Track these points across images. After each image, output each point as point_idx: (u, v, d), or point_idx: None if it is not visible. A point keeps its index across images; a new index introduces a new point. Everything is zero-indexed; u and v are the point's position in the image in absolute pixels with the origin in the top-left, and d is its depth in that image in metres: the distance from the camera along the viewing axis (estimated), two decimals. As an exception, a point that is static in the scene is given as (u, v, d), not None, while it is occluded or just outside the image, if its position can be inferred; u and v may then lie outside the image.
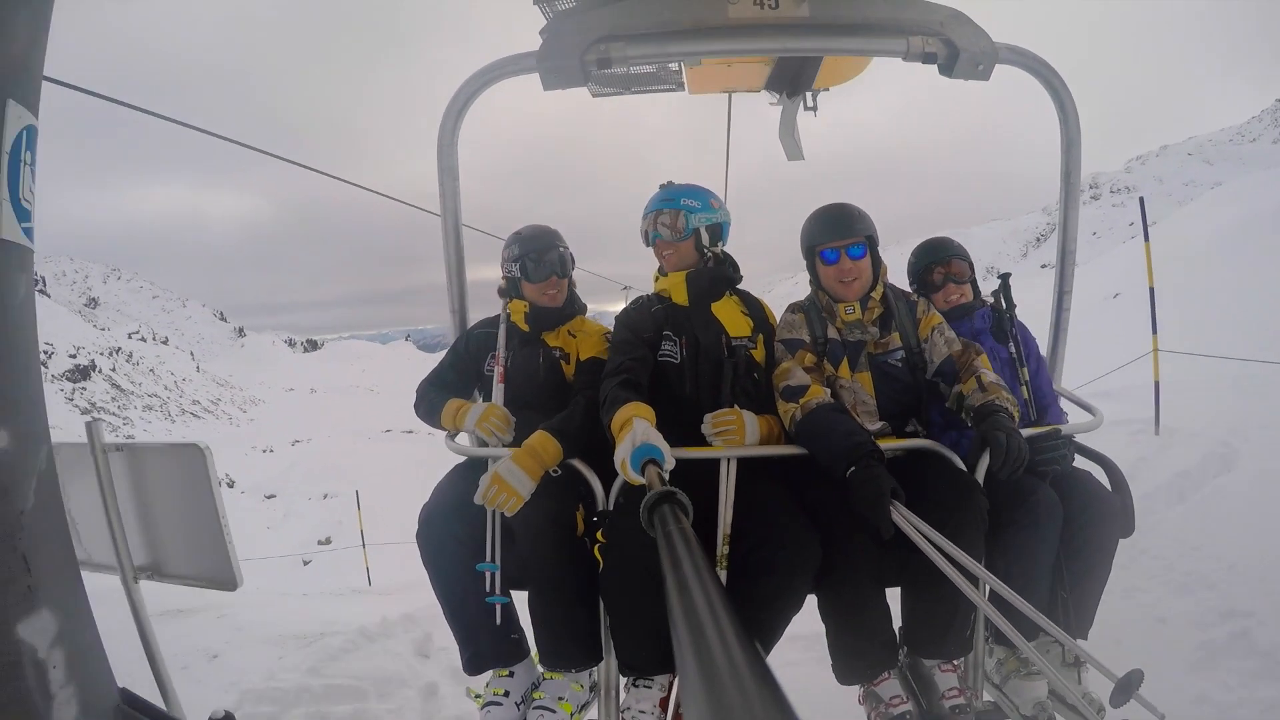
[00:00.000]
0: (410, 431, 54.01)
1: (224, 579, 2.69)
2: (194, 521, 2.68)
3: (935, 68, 2.74)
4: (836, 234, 2.68)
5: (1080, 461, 2.90)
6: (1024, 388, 2.88)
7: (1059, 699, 2.60)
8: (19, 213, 1.39)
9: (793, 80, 4.22)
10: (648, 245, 2.89)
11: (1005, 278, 3.06)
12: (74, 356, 68.94)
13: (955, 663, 2.57)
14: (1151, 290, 7.16)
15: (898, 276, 3.06)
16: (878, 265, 2.76)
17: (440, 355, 3.21)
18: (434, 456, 3.20)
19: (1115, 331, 9.94)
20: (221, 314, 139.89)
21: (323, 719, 4.05)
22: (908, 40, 2.66)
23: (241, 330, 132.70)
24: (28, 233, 1.42)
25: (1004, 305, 3.01)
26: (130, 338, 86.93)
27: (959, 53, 2.66)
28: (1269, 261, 11.82)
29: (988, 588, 2.27)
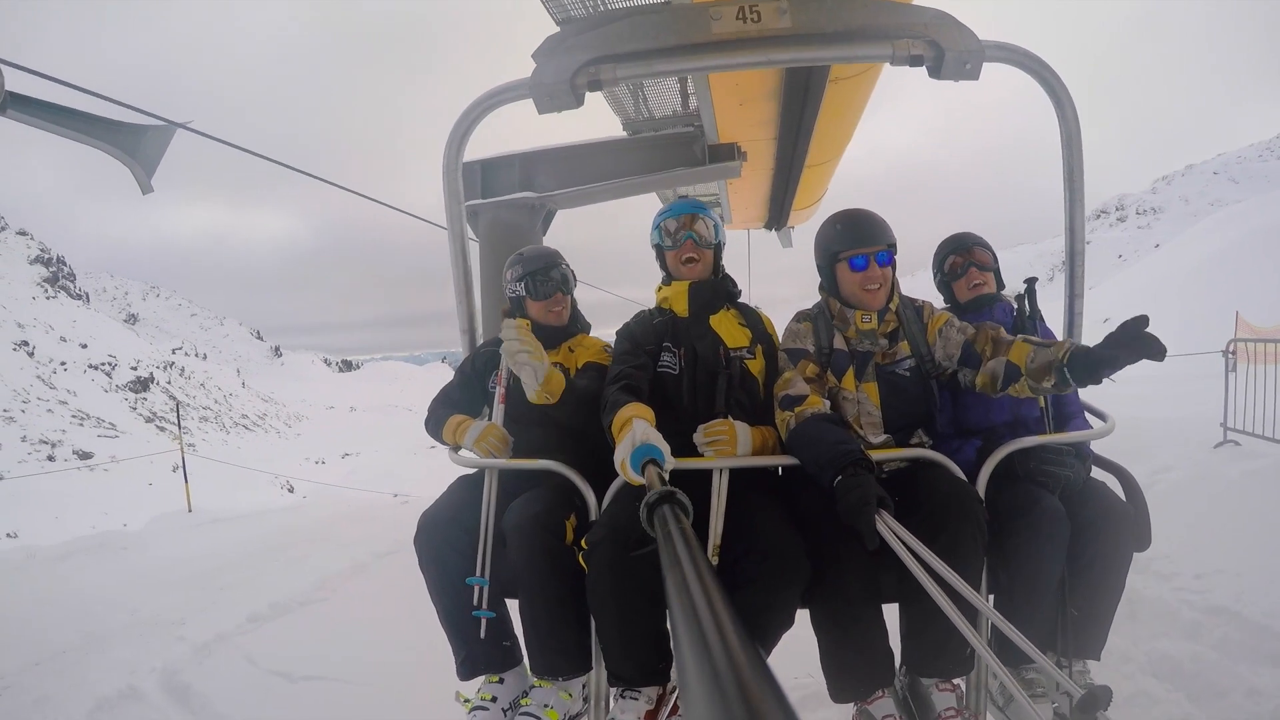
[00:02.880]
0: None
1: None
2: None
3: (925, 71, 2.70)
4: (864, 240, 2.62)
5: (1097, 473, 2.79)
6: (1041, 397, 2.74)
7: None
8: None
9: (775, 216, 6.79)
10: (672, 246, 2.86)
11: (1031, 282, 2.97)
12: (135, 369, 72.71)
13: (955, 682, 2.47)
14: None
15: (925, 292, 3.10)
16: (893, 275, 2.70)
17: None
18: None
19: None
20: (258, 333, 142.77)
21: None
22: (892, 45, 2.64)
23: (278, 349, 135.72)
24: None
25: (1027, 309, 2.93)
26: (174, 353, 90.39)
27: (945, 53, 2.63)
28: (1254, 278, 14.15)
29: (989, 605, 2.24)
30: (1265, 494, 5.54)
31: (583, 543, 2.39)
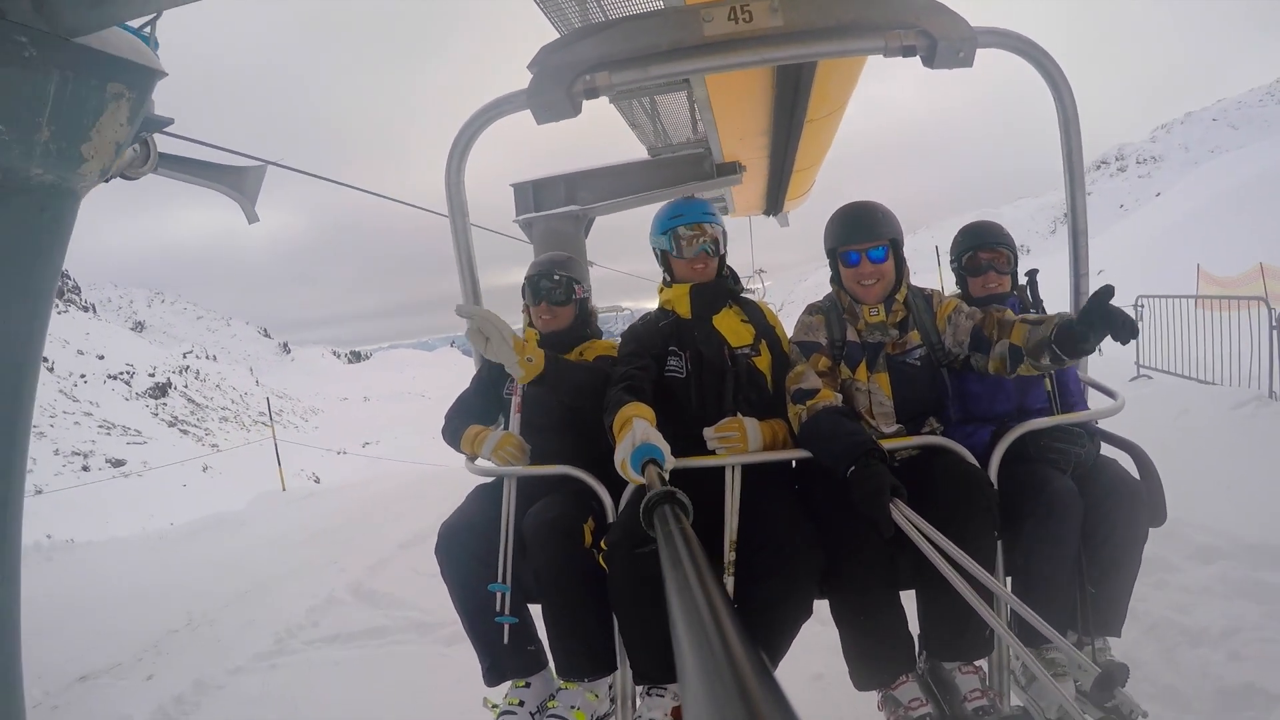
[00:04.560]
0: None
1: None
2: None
3: (918, 60, 2.70)
4: (858, 236, 2.62)
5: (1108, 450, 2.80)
6: (1048, 380, 2.77)
7: (1086, 699, 2.46)
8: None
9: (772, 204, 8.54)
10: (683, 255, 2.81)
11: (1032, 274, 3.00)
12: (152, 375, 74.28)
13: (977, 665, 2.50)
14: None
15: (925, 261, 3.07)
16: (901, 267, 2.68)
17: (485, 363, 3.30)
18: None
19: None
20: (265, 330, 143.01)
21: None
22: (884, 37, 2.64)
23: (286, 345, 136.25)
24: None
25: (1030, 299, 2.97)
26: (185, 357, 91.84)
27: (938, 42, 2.62)
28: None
29: (1006, 587, 2.34)
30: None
31: (602, 544, 2.43)
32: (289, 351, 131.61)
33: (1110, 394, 2.80)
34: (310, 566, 7.00)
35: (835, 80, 5.78)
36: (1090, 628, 2.53)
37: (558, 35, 3.65)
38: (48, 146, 2.12)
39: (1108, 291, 2.05)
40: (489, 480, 2.91)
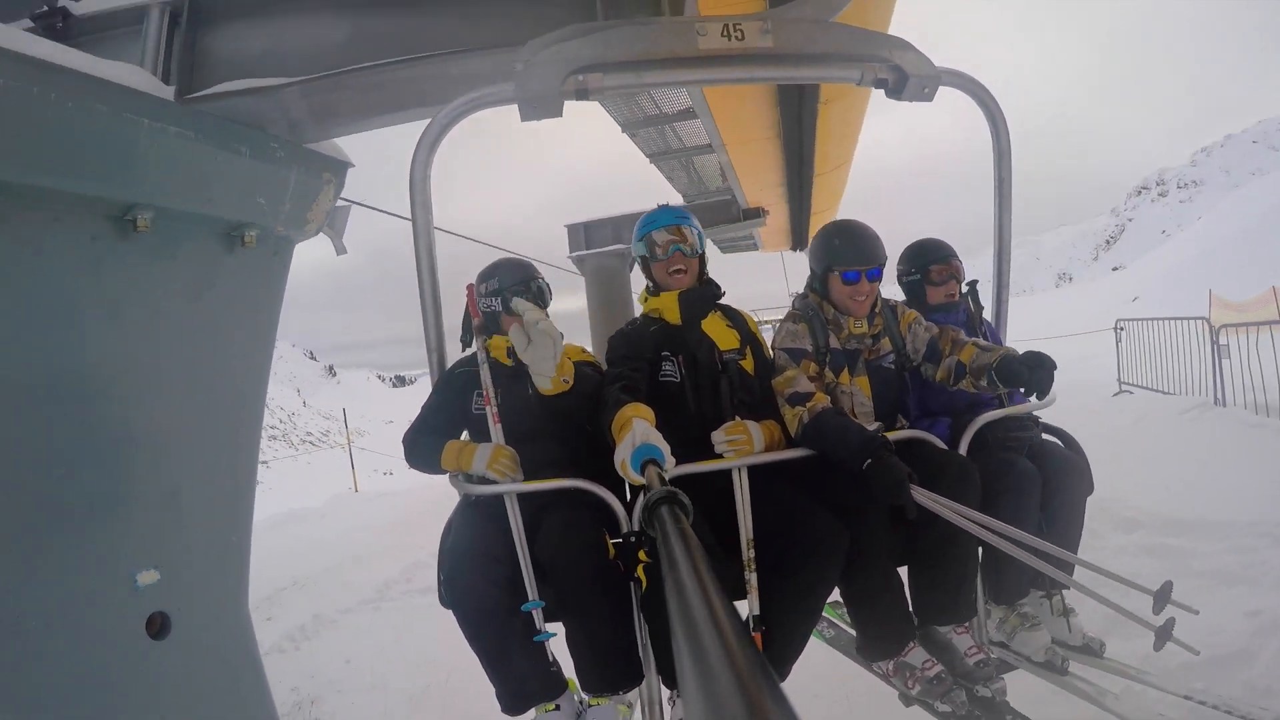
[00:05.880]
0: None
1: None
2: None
3: (884, 92, 2.87)
4: (861, 259, 2.81)
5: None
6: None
7: (1062, 643, 2.88)
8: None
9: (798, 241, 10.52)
10: (658, 258, 2.87)
11: (973, 284, 3.29)
12: (208, 395, 77.85)
13: (966, 625, 2.72)
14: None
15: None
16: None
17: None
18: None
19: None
20: (312, 353, 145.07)
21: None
22: (861, 68, 2.78)
23: (332, 369, 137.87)
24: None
25: (973, 307, 3.27)
26: None
27: (907, 78, 2.78)
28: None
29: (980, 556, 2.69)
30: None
31: (641, 554, 2.39)
32: (334, 374, 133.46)
33: None
34: (396, 546, 7.79)
35: (834, 142, 6.79)
36: (1051, 583, 2.88)
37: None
38: (289, 213, 3.30)
39: (1033, 357, 2.54)
40: (471, 497, 2.71)
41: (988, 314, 3.35)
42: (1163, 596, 2.09)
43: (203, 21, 3.06)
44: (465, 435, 2.88)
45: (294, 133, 3.17)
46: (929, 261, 3.29)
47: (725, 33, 2.74)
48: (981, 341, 2.80)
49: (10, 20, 3.17)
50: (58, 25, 3.09)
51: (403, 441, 2.86)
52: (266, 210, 3.16)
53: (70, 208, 2.43)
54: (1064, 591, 2.95)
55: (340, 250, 6.64)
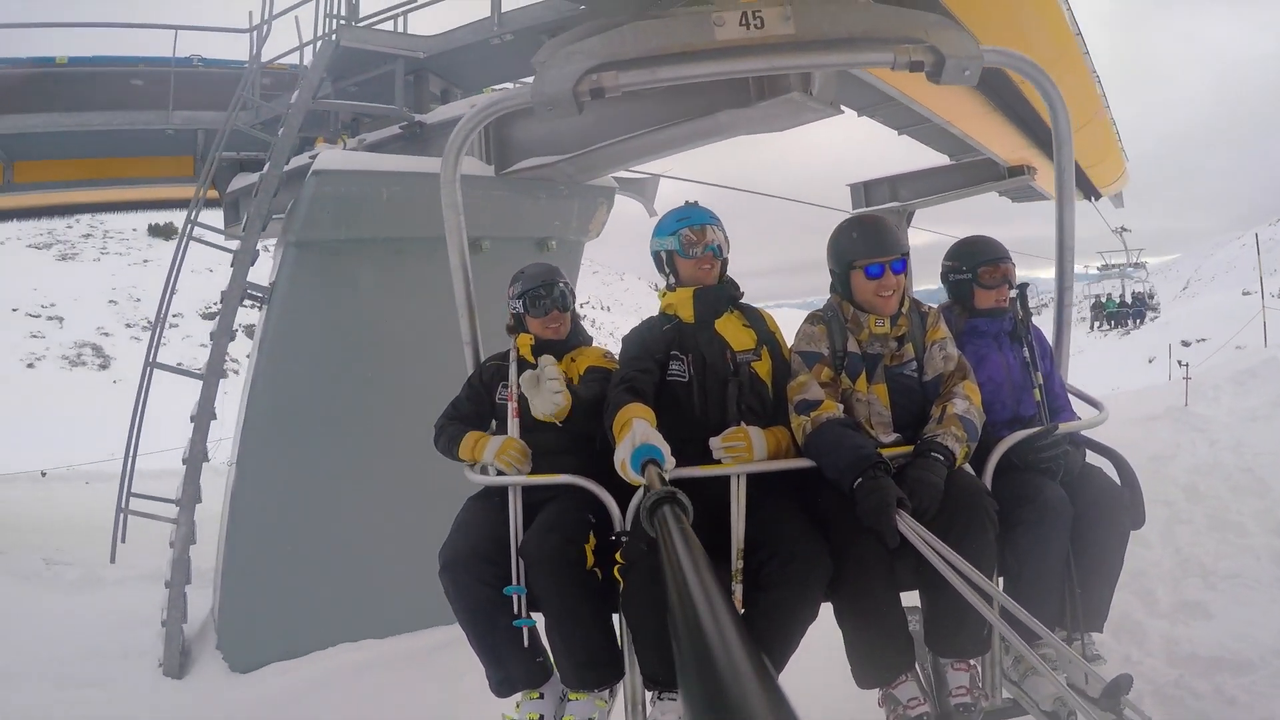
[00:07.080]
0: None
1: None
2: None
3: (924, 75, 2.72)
4: (882, 250, 2.65)
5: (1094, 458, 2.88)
6: (1037, 390, 2.83)
7: (1080, 692, 2.44)
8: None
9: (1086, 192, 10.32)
10: (688, 255, 2.81)
11: (1023, 288, 3.03)
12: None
13: (971, 662, 2.57)
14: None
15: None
16: (908, 280, 2.74)
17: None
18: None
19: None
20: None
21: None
22: (894, 50, 2.64)
23: None
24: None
25: (1020, 312, 3.00)
26: (581, 307, 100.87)
27: (945, 59, 2.63)
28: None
29: (999, 589, 2.40)
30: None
31: (617, 556, 2.40)
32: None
33: (1096, 405, 2.94)
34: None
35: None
36: (1079, 625, 2.63)
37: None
38: (576, 226, 6.35)
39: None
40: (480, 486, 2.85)
41: (1048, 331, 3.17)
42: (1113, 691, 2.01)
43: (505, 123, 5.44)
44: (494, 425, 3.04)
45: (568, 181, 5.86)
46: (980, 262, 3.00)
47: (744, 21, 2.65)
48: (955, 405, 2.57)
49: (382, 129, 6.17)
50: (417, 132, 5.79)
51: (434, 426, 3.05)
52: (560, 227, 6.07)
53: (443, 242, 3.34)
54: (1093, 635, 2.72)
55: (651, 213, 8.13)
